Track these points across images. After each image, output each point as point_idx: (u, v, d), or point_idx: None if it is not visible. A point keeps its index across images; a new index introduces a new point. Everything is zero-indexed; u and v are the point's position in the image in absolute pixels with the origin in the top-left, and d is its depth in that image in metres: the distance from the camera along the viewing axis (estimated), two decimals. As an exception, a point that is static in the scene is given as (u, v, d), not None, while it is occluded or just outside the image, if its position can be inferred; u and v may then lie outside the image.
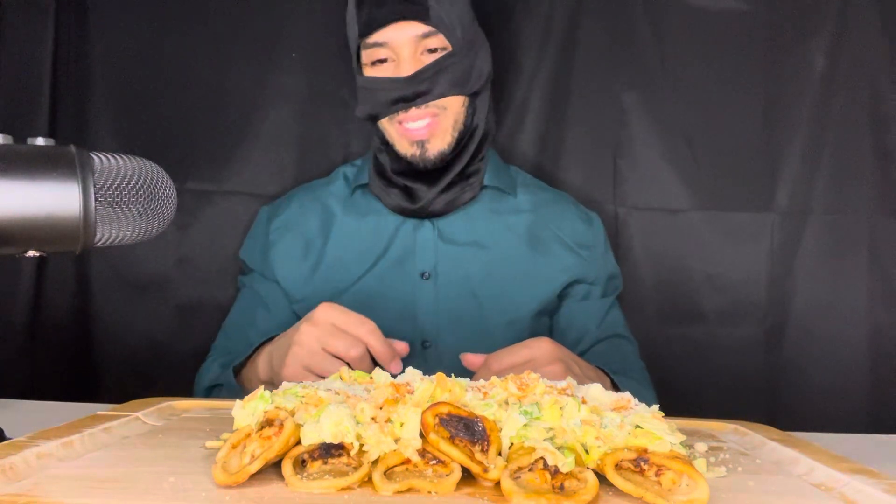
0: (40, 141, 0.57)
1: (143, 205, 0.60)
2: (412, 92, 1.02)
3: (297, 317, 1.12)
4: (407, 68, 1.03)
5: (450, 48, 1.04)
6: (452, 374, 0.68)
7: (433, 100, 1.04)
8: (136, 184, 0.60)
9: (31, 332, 1.32)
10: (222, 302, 1.33)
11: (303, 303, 1.12)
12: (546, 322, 1.14)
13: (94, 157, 0.59)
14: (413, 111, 1.04)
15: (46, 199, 0.55)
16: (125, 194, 0.59)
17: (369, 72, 1.06)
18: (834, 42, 1.31)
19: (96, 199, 0.57)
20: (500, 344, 1.01)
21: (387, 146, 1.09)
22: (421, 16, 1.02)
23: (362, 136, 1.34)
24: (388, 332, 1.07)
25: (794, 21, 1.31)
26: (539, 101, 1.35)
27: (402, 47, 1.03)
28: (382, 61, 1.05)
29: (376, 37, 1.03)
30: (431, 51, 1.04)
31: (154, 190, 0.61)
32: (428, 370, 1.08)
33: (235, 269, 1.33)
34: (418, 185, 1.09)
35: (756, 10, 1.31)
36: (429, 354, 1.09)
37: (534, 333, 1.10)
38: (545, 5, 1.34)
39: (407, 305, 1.10)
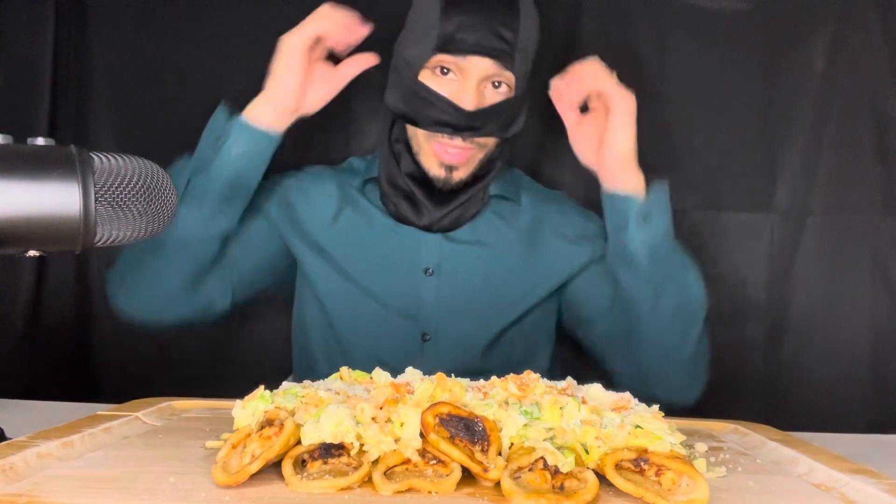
0: (40, 141, 0.57)
1: (143, 205, 0.60)
2: (466, 125, 1.01)
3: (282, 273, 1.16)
4: (468, 99, 1.01)
5: (512, 93, 1.04)
6: (452, 375, 0.68)
7: (478, 137, 1.03)
8: (136, 184, 0.60)
9: (31, 332, 1.32)
10: (222, 302, 1.33)
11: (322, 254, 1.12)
12: (550, 307, 1.15)
13: (94, 157, 0.59)
14: (457, 140, 1.03)
15: (46, 199, 0.55)
16: (125, 194, 0.59)
17: (427, 77, 1.03)
18: (834, 42, 1.30)
19: (96, 199, 0.57)
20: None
21: (408, 148, 1.08)
22: (506, 61, 1.01)
23: (362, 136, 1.34)
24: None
25: (794, 21, 1.31)
26: (538, 101, 1.35)
27: (473, 76, 1.01)
28: (445, 72, 1.02)
29: (456, 60, 1.01)
30: (496, 85, 1.03)
31: (154, 190, 0.61)
32: (426, 363, 1.10)
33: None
34: (425, 201, 1.09)
35: (756, 10, 1.31)
36: (427, 347, 1.10)
37: (534, 326, 1.14)
38: (545, 5, 1.34)
39: (410, 300, 1.10)
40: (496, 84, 1.03)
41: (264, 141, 1.03)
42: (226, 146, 1.01)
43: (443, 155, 1.05)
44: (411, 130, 1.07)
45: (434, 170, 1.06)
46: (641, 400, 1.10)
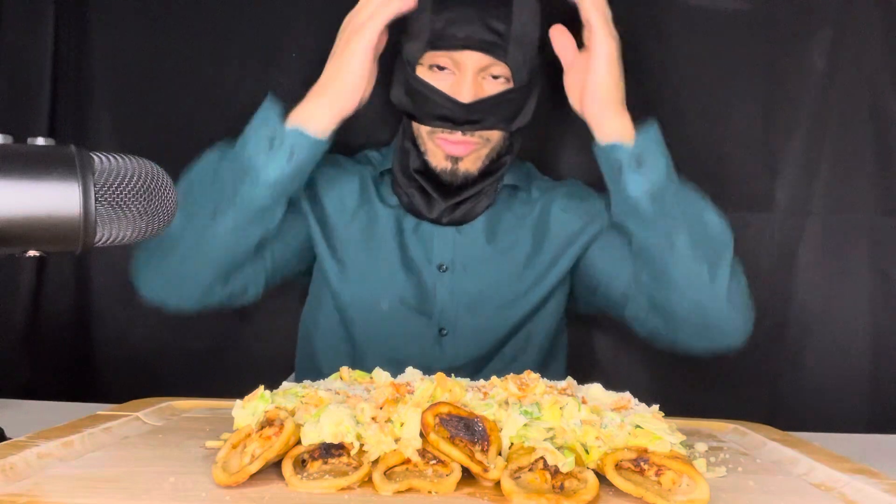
0: (40, 141, 0.57)
1: (143, 205, 0.60)
2: (464, 118, 1.01)
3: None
4: (466, 91, 1.00)
5: (512, 84, 1.03)
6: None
7: (479, 130, 1.03)
8: (136, 184, 0.60)
9: (31, 332, 1.32)
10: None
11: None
12: (563, 291, 1.15)
13: (94, 157, 0.59)
14: (457, 134, 1.03)
15: (46, 199, 0.55)
16: (125, 194, 0.59)
17: (425, 74, 1.03)
18: (834, 42, 1.30)
19: (96, 199, 0.57)
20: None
21: (415, 145, 1.08)
22: (499, 55, 1.00)
23: (361, 136, 1.34)
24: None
25: (794, 21, 1.31)
26: (538, 100, 1.35)
27: (468, 68, 1.00)
28: (441, 68, 1.02)
29: (446, 55, 1.00)
30: (494, 77, 1.02)
31: (154, 190, 0.61)
32: (444, 357, 1.11)
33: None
34: (435, 193, 1.09)
35: (756, 10, 1.31)
36: (445, 342, 1.11)
37: (550, 314, 1.14)
38: (544, 5, 1.34)
39: (425, 296, 1.11)
40: (495, 76, 1.03)
41: (320, 148, 0.98)
42: (280, 154, 0.96)
43: (446, 147, 1.04)
44: (416, 129, 1.07)
45: (440, 163, 1.06)
46: (678, 354, 1.07)
